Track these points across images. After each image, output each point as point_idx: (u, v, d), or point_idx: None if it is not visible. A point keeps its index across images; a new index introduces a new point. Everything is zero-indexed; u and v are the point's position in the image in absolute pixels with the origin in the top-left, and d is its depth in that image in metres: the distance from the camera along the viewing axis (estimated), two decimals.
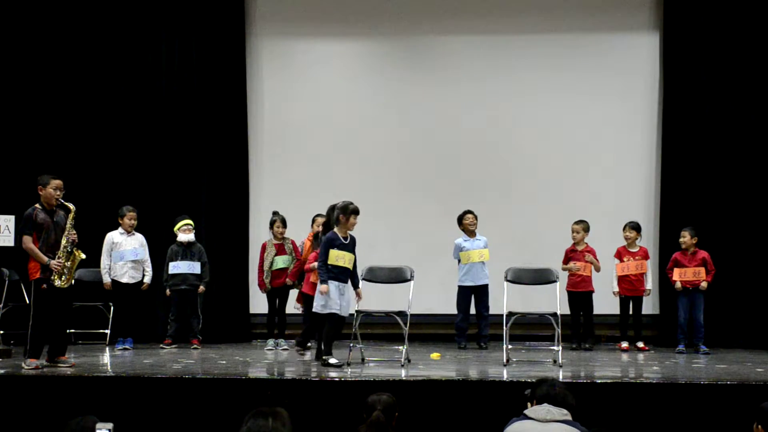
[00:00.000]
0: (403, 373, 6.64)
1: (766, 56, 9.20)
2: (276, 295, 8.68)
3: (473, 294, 8.77)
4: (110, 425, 3.59)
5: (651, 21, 9.64)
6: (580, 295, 8.69)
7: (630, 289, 8.66)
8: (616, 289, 8.70)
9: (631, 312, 8.72)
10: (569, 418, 4.00)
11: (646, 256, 8.74)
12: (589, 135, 9.65)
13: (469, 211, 8.89)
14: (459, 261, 8.82)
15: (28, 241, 6.77)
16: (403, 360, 7.19)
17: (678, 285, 8.45)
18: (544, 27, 9.69)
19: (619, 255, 8.74)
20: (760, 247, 9.08)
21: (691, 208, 9.14)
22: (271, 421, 3.15)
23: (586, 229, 8.79)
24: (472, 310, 8.81)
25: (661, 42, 9.56)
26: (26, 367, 6.61)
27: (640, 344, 8.61)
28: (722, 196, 9.16)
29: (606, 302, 8.85)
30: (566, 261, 8.78)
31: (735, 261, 9.00)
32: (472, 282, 8.72)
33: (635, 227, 8.76)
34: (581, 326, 8.75)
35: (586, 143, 9.65)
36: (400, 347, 7.33)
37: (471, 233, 8.83)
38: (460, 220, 8.86)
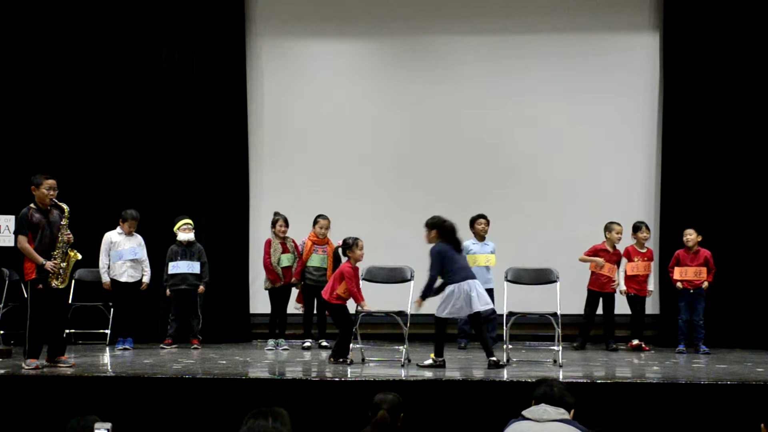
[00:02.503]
0: (403, 373, 6.64)
1: (766, 56, 9.20)
2: (279, 294, 8.68)
3: None
4: (108, 425, 3.58)
5: (651, 21, 9.64)
6: (607, 296, 8.71)
7: (637, 289, 8.68)
8: (624, 288, 8.70)
9: (632, 312, 8.73)
10: (567, 417, 4.01)
11: (651, 257, 8.73)
12: (590, 135, 9.64)
13: (482, 216, 8.89)
14: None
15: (23, 241, 6.76)
16: (403, 360, 7.19)
17: (679, 285, 8.46)
18: (544, 27, 9.69)
19: (629, 255, 8.74)
20: (760, 247, 9.08)
21: (692, 208, 9.14)
22: (271, 421, 3.14)
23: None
24: None
25: (661, 42, 9.55)
26: (26, 367, 6.61)
27: (636, 342, 8.61)
28: (722, 196, 9.16)
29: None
30: (591, 255, 8.75)
31: (735, 261, 9.00)
32: None
33: (648, 228, 8.77)
34: (601, 326, 8.77)
35: (586, 143, 9.64)
36: (400, 347, 7.33)
37: (481, 238, 8.85)
38: (472, 223, 8.86)
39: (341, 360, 7.23)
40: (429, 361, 6.93)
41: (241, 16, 9.73)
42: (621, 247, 8.80)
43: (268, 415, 3.16)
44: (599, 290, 8.71)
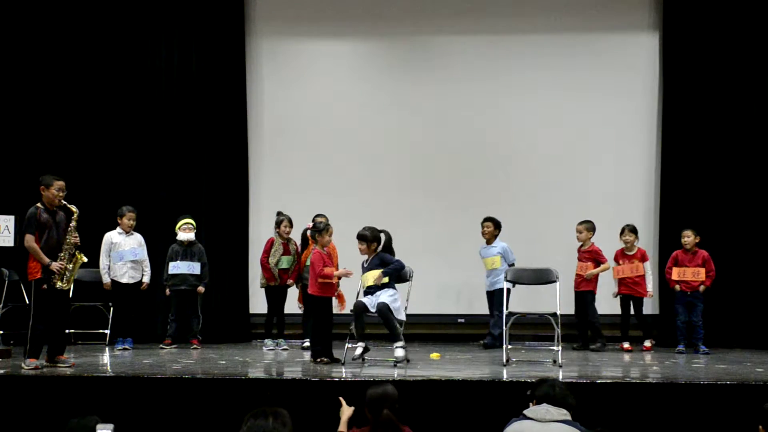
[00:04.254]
0: (396, 373, 6.62)
1: (766, 56, 9.21)
2: (276, 293, 8.68)
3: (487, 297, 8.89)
4: (111, 426, 3.58)
5: (651, 21, 9.65)
6: (577, 294, 8.74)
7: (626, 291, 8.70)
8: (616, 290, 8.73)
9: (632, 312, 8.74)
10: (569, 418, 4.01)
11: (642, 259, 8.71)
12: (589, 135, 9.65)
13: (488, 219, 8.94)
14: None
15: (30, 240, 6.75)
16: (400, 360, 7.18)
17: (677, 287, 8.46)
18: (544, 27, 9.70)
19: (617, 258, 8.78)
20: (759, 247, 9.09)
21: (691, 208, 9.16)
22: (271, 421, 3.15)
23: (590, 229, 8.80)
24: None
25: (661, 42, 9.56)
26: (26, 367, 6.61)
27: (647, 343, 8.64)
28: (722, 196, 9.17)
29: (606, 303, 8.88)
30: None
31: (734, 261, 9.01)
32: (486, 287, 8.85)
33: (633, 230, 8.75)
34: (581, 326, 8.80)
35: (586, 143, 9.65)
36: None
37: (486, 241, 8.87)
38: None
39: (320, 360, 7.23)
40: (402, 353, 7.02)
41: (241, 16, 9.74)
42: (612, 247, 8.79)
43: (268, 415, 3.17)
44: (576, 289, 8.77)
